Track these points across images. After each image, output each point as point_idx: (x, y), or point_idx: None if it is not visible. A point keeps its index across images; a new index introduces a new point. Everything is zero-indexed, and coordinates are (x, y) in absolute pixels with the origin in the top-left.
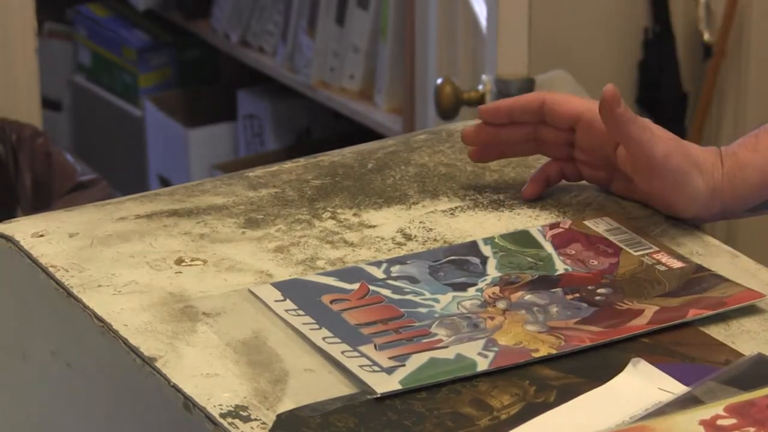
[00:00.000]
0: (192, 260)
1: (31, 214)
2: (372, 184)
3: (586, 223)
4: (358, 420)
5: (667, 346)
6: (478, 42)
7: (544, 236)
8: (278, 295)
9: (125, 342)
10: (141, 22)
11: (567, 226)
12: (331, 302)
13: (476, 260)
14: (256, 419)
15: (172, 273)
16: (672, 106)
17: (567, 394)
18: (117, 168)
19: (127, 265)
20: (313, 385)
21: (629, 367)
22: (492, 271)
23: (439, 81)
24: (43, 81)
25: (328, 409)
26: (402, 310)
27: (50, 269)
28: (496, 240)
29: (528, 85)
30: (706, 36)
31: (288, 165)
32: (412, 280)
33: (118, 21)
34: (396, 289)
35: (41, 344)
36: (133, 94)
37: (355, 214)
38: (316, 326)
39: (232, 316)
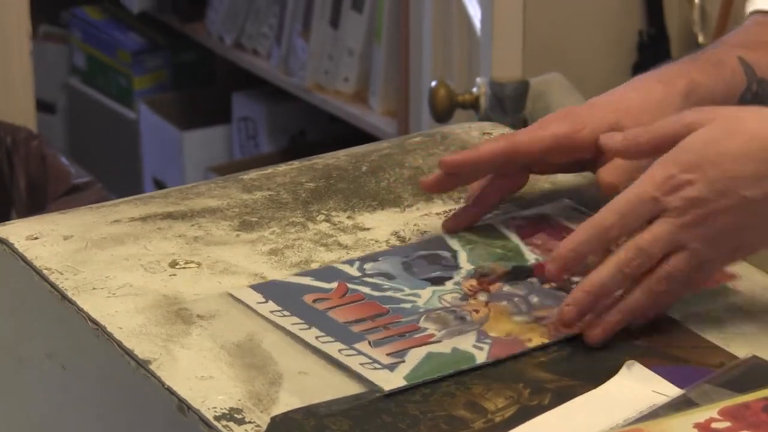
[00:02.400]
0: (186, 263)
1: (26, 216)
2: (366, 186)
3: (549, 212)
4: (353, 422)
5: (662, 348)
6: (473, 44)
7: (507, 227)
8: (259, 297)
9: (119, 345)
10: (136, 24)
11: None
12: (314, 302)
13: (447, 254)
14: (250, 422)
15: (166, 276)
16: None
17: (561, 396)
18: (112, 170)
19: (121, 267)
20: (307, 387)
21: (623, 370)
22: (465, 264)
23: (433, 83)
24: (38, 83)
25: (323, 411)
26: (386, 306)
27: (45, 272)
28: (461, 233)
29: (523, 87)
30: (701, 38)
31: (282, 168)
32: (388, 276)
33: (113, 24)
34: (374, 286)
35: (36, 347)
36: (128, 96)
37: (349, 217)
38: (306, 326)
39: (227, 319)
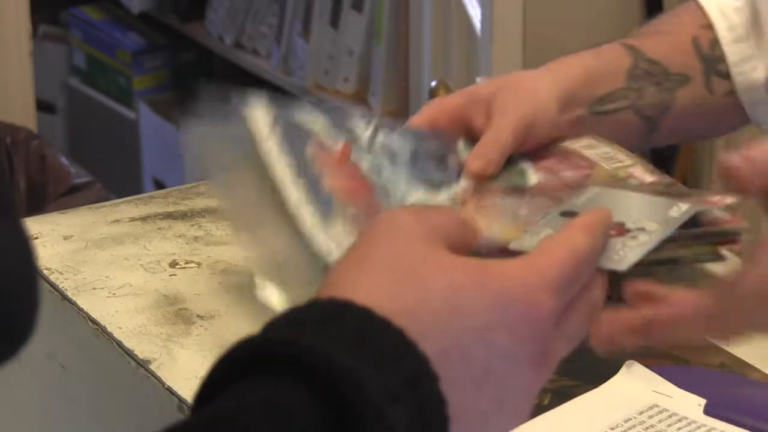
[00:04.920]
0: (186, 263)
1: (26, 216)
2: None
3: (567, 143)
4: None
5: (662, 348)
6: (473, 44)
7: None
8: (267, 127)
9: (119, 345)
10: (135, 24)
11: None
12: (314, 153)
13: (454, 162)
14: None
15: (166, 275)
16: None
17: (561, 397)
18: (111, 170)
19: (121, 267)
20: None
21: (623, 370)
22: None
23: (433, 83)
24: (38, 83)
25: None
26: (376, 196)
27: (45, 272)
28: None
29: None
30: None
31: None
32: (392, 158)
33: (113, 23)
34: (375, 168)
35: (36, 347)
36: (128, 96)
37: None
38: (297, 177)
39: (226, 319)
